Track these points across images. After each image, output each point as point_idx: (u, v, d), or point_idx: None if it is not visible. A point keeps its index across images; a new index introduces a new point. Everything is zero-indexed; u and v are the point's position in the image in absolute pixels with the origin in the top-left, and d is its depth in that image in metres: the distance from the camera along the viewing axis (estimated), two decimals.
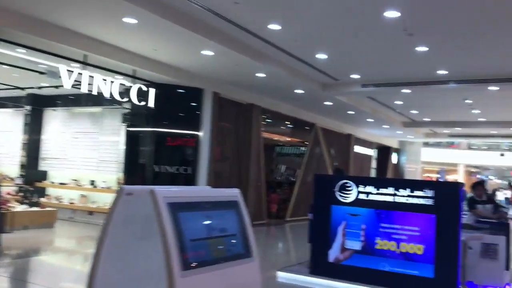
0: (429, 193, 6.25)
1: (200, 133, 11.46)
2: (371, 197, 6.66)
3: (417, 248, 6.28)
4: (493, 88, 10.71)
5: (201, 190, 3.23)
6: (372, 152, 22.98)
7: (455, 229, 6.05)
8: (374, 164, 24.31)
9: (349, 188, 6.83)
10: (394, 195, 6.50)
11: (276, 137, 19.78)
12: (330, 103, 14.01)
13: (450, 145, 36.64)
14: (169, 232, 2.63)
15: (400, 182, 6.84)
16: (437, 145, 35.70)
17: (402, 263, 6.37)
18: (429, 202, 6.24)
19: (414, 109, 16.17)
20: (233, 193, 3.31)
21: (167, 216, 2.66)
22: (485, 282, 6.65)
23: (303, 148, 18.24)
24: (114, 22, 7.60)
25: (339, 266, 6.77)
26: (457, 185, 6.33)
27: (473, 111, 15.41)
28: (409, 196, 6.40)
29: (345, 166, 19.31)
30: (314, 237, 7.07)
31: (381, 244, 6.51)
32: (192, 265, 2.69)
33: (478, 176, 35.06)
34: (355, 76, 11.26)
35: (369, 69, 10.65)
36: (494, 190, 15.76)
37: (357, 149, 20.86)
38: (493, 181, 40.55)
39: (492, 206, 7.62)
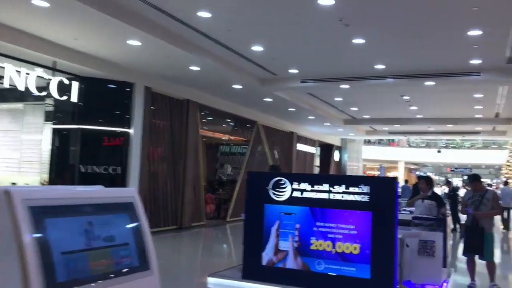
0: (365, 189, 5.87)
1: (131, 131, 10.72)
2: (305, 194, 6.22)
3: (353, 248, 5.91)
4: (429, 83, 10.71)
5: (82, 190, 2.59)
6: (315, 150, 22.94)
7: (391, 226, 5.74)
8: (317, 162, 24.32)
9: (283, 186, 6.35)
10: (329, 192, 6.10)
11: (219, 136, 19.25)
12: (270, 100, 13.66)
13: (390, 143, 37.60)
14: (28, 243, 2.03)
15: (335, 178, 6.46)
16: (378, 143, 36.51)
17: (338, 263, 6.00)
18: (364, 198, 5.88)
19: (354, 106, 16.15)
20: (127, 193, 2.71)
21: (26, 223, 2.06)
22: (423, 280, 6.44)
23: (248, 147, 17.84)
24: (23, 5, 6.78)
25: (273, 269, 6.31)
26: (393, 181, 6.03)
27: (410, 108, 15.58)
28: (344, 192, 6.00)
29: (288, 164, 19.08)
30: (246, 238, 6.56)
31: (317, 244, 6.10)
32: (60, 284, 2.10)
33: (417, 173, 36.11)
34: (293, 71, 10.93)
35: (307, 63, 10.35)
36: (454, 188, 16.01)
37: (300, 147, 20.72)
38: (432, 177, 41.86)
39: (433, 203, 7.46)
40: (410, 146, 38.37)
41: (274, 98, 13.40)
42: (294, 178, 6.57)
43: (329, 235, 6.25)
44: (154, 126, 11.45)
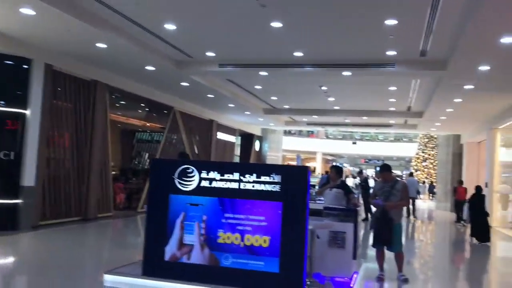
0: (276, 178, 5.55)
1: (27, 112, 9.62)
2: (214, 184, 5.76)
3: (262, 240, 5.56)
4: (346, 73, 10.69)
5: None
6: (235, 139, 22.62)
7: (302, 217, 5.46)
8: (237, 151, 24.04)
9: (190, 175, 5.84)
10: (240, 181, 5.71)
11: (135, 122, 18.26)
12: (187, 84, 13.03)
13: (310, 134, 38.36)
14: None
15: (246, 167, 6.08)
16: (298, 134, 37.08)
17: (246, 257, 5.63)
18: (275, 188, 5.56)
19: (274, 95, 15.96)
20: None
21: None
22: (333, 273, 6.26)
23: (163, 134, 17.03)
24: None
25: (176, 264, 5.80)
26: (304, 170, 5.76)
27: (328, 99, 15.68)
28: (255, 182, 5.64)
29: (207, 153, 18.57)
30: (148, 231, 5.98)
31: (224, 237, 5.68)
32: None
33: (334, 163, 37.13)
34: (210, 54, 10.40)
35: (224, 46, 9.87)
36: (365, 178, 16.35)
37: (220, 135, 20.28)
38: (347, 168, 43.45)
39: (340, 191, 7.32)
40: (328, 138, 39.43)
41: (191, 83, 12.79)
42: (203, 166, 6.08)
43: (238, 227, 5.86)
44: (55, 108, 10.40)
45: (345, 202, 7.28)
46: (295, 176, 5.85)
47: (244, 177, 5.85)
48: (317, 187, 11.04)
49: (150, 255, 6.16)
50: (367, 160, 44.49)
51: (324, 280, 6.54)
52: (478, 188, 12.44)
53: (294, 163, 36.53)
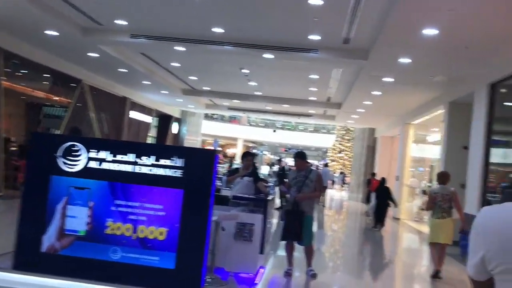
0: (178, 162, 4.90)
1: None
2: (105, 165, 4.99)
3: (158, 233, 4.90)
4: (268, 55, 10.17)
5: None
6: (151, 120, 21.47)
7: (205, 207, 4.86)
8: (153, 132, 22.92)
9: (77, 153, 5.02)
10: (135, 163, 4.97)
11: (41, 95, 16.53)
12: (96, 55, 11.83)
13: (232, 120, 37.88)
14: None
15: (144, 148, 5.36)
16: (221, 119, 36.45)
17: (138, 251, 4.92)
18: (177, 173, 4.89)
19: (193, 75, 15.14)
20: None
21: None
22: (237, 268, 5.74)
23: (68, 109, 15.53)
24: None
25: (55, 257, 4.96)
26: (212, 153, 5.16)
27: (250, 83, 15.17)
28: (153, 165, 4.95)
29: (118, 133, 17.35)
30: (23, 218, 5.06)
31: (114, 227, 4.93)
32: None
33: (254, 150, 37.04)
34: (121, 22, 9.37)
35: (137, 14, 8.93)
36: (283, 167, 16.11)
37: (134, 115, 19.08)
38: (267, 156, 43.67)
39: (251, 179, 6.81)
40: (250, 124, 39.21)
41: (101, 54, 11.63)
42: (92, 144, 5.21)
43: (131, 217, 5.08)
44: None
45: (254, 191, 6.77)
46: (200, 160, 5.19)
47: (141, 159, 5.10)
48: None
49: (24, 246, 5.24)
50: (287, 149, 44.97)
51: (227, 276, 5.99)
52: (382, 180, 13.39)
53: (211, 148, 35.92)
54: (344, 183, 31.75)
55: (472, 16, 6.31)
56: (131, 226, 4.94)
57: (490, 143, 8.55)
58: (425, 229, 8.20)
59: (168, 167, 4.91)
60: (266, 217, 6.20)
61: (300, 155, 6.56)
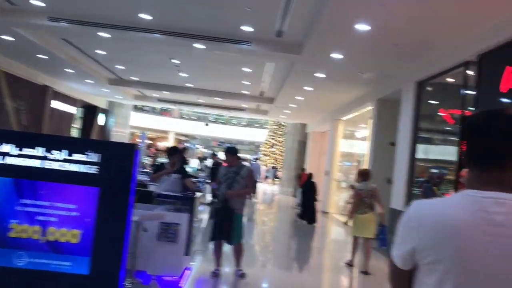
0: (94, 157, 4.44)
1: None
2: (9, 160, 4.42)
3: (71, 235, 4.41)
4: (198, 45, 9.76)
5: None
6: (75, 111, 20.27)
7: (124, 207, 4.44)
8: (77, 124, 21.70)
9: None
10: (45, 158, 4.45)
11: None
12: (11, 38, 10.83)
13: (163, 112, 36.89)
14: None
15: (55, 141, 4.81)
16: (152, 111, 35.38)
17: (48, 256, 4.41)
18: (92, 169, 4.43)
19: (120, 64, 14.37)
20: None
21: None
22: (161, 271, 5.36)
23: None
24: None
25: None
26: (131, 148, 4.72)
27: (180, 74, 14.67)
28: (65, 160, 4.45)
29: (38, 124, 16.16)
30: None
31: (19, 230, 4.39)
32: None
33: (186, 144, 36.36)
34: (37, 3, 8.58)
35: None
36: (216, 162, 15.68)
37: (56, 105, 17.88)
38: (199, 150, 43.09)
39: (179, 176, 6.44)
40: (182, 117, 38.43)
41: (16, 37, 10.65)
42: None
43: (39, 218, 4.54)
44: None
45: (182, 188, 6.41)
46: (118, 155, 4.76)
47: (51, 153, 4.59)
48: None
49: None
50: (219, 143, 44.64)
51: (150, 279, 5.60)
52: (309, 176, 13.72)
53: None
54: (276, 178, 31.99)
55: (402, 14, 6.33)
56: (39, 228, 4.41)
57: (416, 140, 8.75)
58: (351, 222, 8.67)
59: (82, 163, 4.43)
60: (192, 215, 5.86)
61: (231, 151, 6.27)
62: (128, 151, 4.58)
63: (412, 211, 1.41)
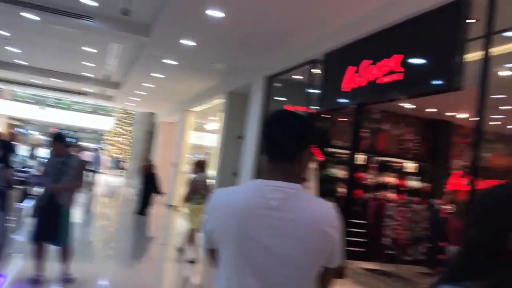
0: None
1: None
2: None
3: None
4: (30, 16, 8.43)
5: None
6: None
7: None
8: None
9: None
10: None
11: None
12: None
13: None
14: None
15: None
16: None
17: None
18: None
19: None
20: None
21: None
22: None
23: None
24: None
25: None
26: None
27: (9, 48, 12.75)
28: None
29: None
30: None
31: None
32: None
33: (20, 130, 32.50)
34: None
35: None
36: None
37: None
38: (35, 136, 38.98)
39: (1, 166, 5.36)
40: (16, 100, 34.28)
41: None
42: None
43: None
44: None
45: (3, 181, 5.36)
46: None
47: None
48: None
49: None
50: (59, 130, 41.01)
51: None
52: (150, 167, 13.46)
53: None
54: (120, 169, 30.45)
55: (255, 4, 6.16)
56: None
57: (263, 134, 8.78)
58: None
59: None
60: (6, 213, 4.90)
61: (58, 138, 5.39)
62: None
63: (212, 198, 1.64)
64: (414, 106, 9.16)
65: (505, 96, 6.56)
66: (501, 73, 5.62)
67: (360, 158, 8.76)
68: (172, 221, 13.66)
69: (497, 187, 1.27)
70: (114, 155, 32.48)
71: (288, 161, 1.57)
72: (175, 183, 15.67)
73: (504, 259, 1.14)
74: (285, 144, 1.57)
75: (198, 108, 14.97)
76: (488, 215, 1.20)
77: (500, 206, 1.19)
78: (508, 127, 8.96)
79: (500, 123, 8.48)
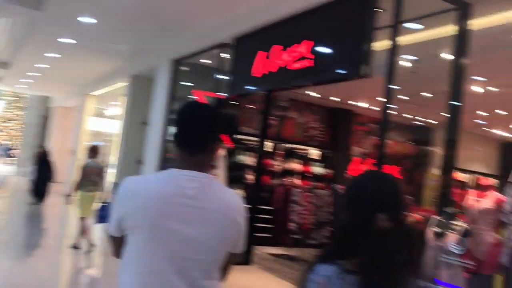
0: None
1: None
2: None
3: None
4: None
5: None
6: None
7: None
8: None
9: None
10: None
11: None
12: None
13: None
14: None
15: None
16: None
17: None
18: None
19: None
20: None
21: None
22: None
23: None
24: None
25: None
26: None
27: None
28: None
29: None
30: None
31: None
32: None
33: None
34: None
35: None
36: None
37: None
38: None
39: None
40: None
41: None
42: None
43: None
44: None
45: None
46: None
47: None
48: None
49: None
50: None
51: None
52: (44, 153, 12.88)
53: None
54: (11, 157, 28.01)
55: None
56: None
57: (169, 121, 8.45)
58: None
59: None
60: None
61: None
62: None
63: (123, 185, 1.63)
64: (319, 95, 9.38)
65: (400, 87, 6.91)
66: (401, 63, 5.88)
67: (268, 145, 8.79)
68: (68, 211, 12.82)
69: (364, 174, 1.52)
70: (3, 142, 29.78)
71: (201, 152, 1.63)
72: (72, 171, 14.67)
73: (372, 238, 1.31)
74: (198, 137, 1.62)
75: (99, 92, 14.10)
76: (357, 199, 1.40)
77: (367, 191, 1.39)
78: (403, 115, 9.54)
79: (396, 112, 8.99)
